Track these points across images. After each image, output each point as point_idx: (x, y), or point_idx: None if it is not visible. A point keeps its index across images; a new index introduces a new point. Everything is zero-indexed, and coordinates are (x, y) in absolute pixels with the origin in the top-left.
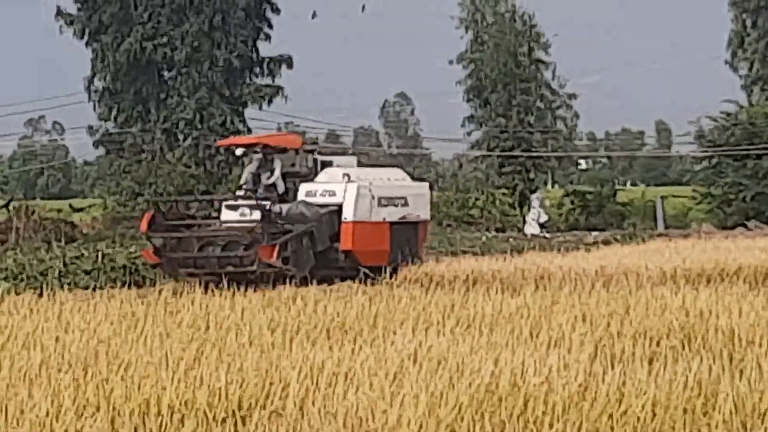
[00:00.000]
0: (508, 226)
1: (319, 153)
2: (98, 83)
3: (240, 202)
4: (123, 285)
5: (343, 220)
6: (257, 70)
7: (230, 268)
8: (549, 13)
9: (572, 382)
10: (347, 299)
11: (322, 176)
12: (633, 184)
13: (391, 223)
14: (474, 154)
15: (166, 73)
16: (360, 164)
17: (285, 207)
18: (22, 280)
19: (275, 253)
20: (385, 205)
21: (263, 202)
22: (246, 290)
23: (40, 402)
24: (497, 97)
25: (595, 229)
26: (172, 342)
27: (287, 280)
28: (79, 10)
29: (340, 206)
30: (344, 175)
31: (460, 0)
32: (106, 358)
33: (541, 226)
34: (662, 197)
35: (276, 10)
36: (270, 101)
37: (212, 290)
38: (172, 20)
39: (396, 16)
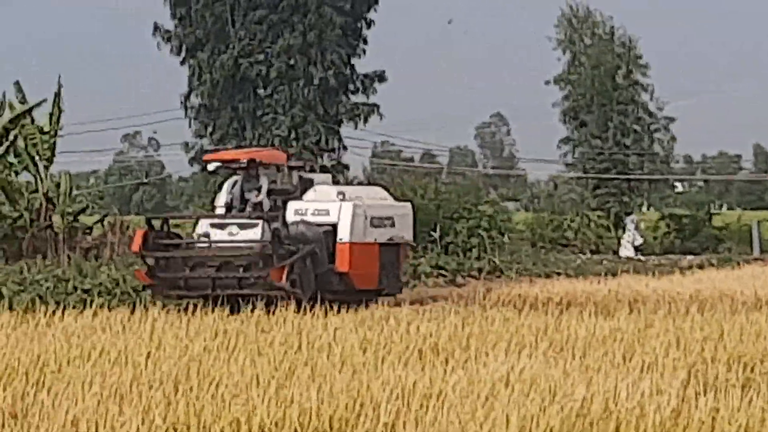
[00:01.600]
0: (603, 248)
1: (301, 169)
2: (194, 100)
3: (229, 220)
4: (215, 302)
5: (338, 240)
6: (352, 87)
7: (230, 290)
8: (647, 35)
9: (665, 407)
10: (440, 320)
11: (311, 194)
12: (729, 208)
13: (380, 245)
14: (569, 176)
15: (261, 91)
16: (335, 182)
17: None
18: (115, 296)
19: (284, 275)
20: (376, 226)
21: (275, 223)
22: (339, 310)
23: (131, 419)
24: (593, 118)
25: (690, 253)
26: (264, 361)
27: (375, 301)
28: (176, 26)
29: (333, 226)
30: (339, 193)
31: (558, 21)
32: (198, 376)
33: (636, 248)
34: (758, 222)
35: (370, 26)
36: (366, 119)
37: (305, 309)
38: (268, 37)
39: (493, 36)
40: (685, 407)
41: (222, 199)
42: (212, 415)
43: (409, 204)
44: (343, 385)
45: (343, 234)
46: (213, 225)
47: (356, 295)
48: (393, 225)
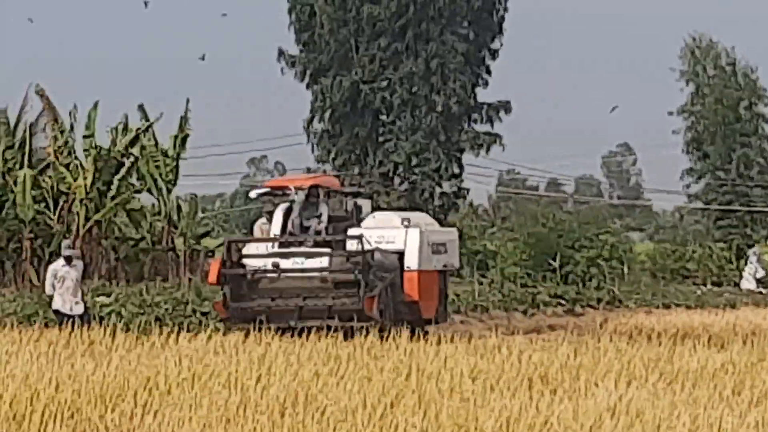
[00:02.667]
0: (725, 280)
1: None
2: (317, 125)
3: (294, 249)
4: (329, 328)
5: (406, 268)
6: (475, 116)
7: (316, 321)
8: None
9: None
10: (552, 349)
11: (370, 221)
12: None
13: (438, 272)
14: (692, 207)
15: (383, 117)
16: (373, 208)
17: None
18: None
19: (375, 305)
20: (435, 252)
21: (367, 251)
22: (452, 337)
23: None
24: (716, 150)
25: None
26: (372, 387)
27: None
28: (301, 51)
29: (399, 253)
30: (404, 220)
31: (681, 52)
32: (305, 401)
33: (758, 281)
34: None
35: (494, 56)
36: (488, 149)
37: (418, 336)
38: (391, 64)
39: (617, 66)
40: None
41: (277, 226)
42: None
43: (455, 229)
44: (450, 413)
45: (411, 262)
46: (279, 254)
47: (420, 323)
48: (446, 251)
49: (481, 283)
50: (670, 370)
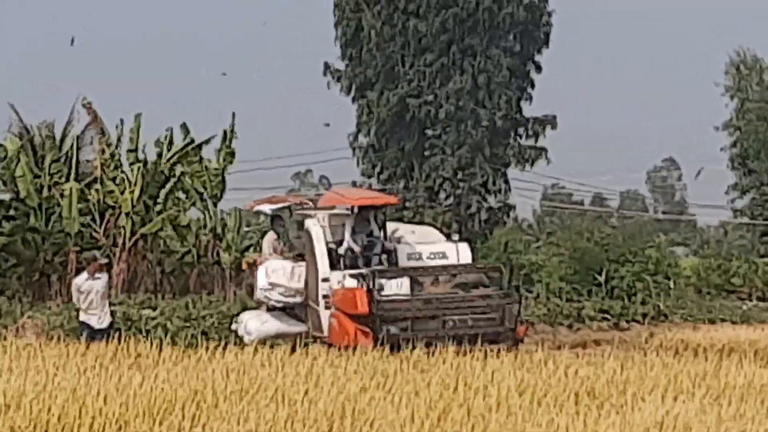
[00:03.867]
0: None
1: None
2: (362, 139)
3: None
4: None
5: None
6: (521, 130)
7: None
8: None
9: None
10: (598, 364)
11: (411, 236)
12: None
13: None
14: (737, 222)
15: (429, 131)
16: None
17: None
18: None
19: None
20: None
21: (494, 267)
22: (498, 352)
23: None
24: (761, 165)
25: None
26: (420, 401)
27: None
28: (346, 66)
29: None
30: (447, 234)
31: (726, 68)
32: (353, 415)
33: None
34: None
35: (539, 70)
36: (533, 163)
37: (465, 350)
38: (438, 78)
39: (663, 80)
40: None
41: (346, 244)
42: None
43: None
44: (497, 427)
45: None
46: (351, 275)
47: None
48: None
49: (526, 298)
50: (716, 385)
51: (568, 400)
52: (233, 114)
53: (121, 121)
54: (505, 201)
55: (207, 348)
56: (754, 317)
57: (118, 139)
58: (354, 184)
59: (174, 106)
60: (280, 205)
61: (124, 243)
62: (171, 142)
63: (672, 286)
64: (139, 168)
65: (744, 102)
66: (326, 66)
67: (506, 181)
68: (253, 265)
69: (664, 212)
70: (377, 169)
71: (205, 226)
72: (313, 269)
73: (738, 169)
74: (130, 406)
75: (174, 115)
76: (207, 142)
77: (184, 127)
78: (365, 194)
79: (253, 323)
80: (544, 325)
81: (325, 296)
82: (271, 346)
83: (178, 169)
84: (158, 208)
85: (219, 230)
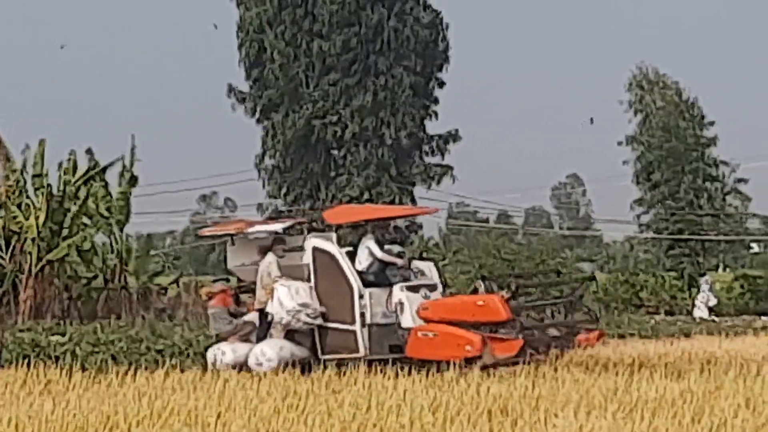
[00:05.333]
0: (677, 309)
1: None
2: (268, 161)
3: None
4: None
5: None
6: (426, 149)
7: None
8: (715, 96)
9: None
10: (510, 381)
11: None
12: None
13: None
14: (643, 236)
15: (335, 152)
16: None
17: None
18: (188, 356)
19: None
20: None
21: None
22: (410, 371)
23: None
24: (665, 178)
25: (764, 314)
26: (334, 420)
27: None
28: (250, 87)
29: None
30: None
31: (628, 84)
32: None
33: (710, 309)
34: None
35: (442, 86)
36: (439, 181)
37: (375, 370)
38: (342, 98)
39: (566, 98)
40: None
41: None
42: None
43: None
44: None
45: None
46: (408, 288)
47: None
48: None
49: None
50: (628, 400)
51: (482, 417)
52: (132, 136)
53: (27, 146)
54: (412, 220)
55: (117, 372)
56: (662, 331)
57: (23, 165)
58: (260, 206)
59: (79, 131)
60: (289, 223)
61: (30, 269)
62: (75, 167)
63: None
64: (44, 193)
65: (647, 116)
66: (230, 88)
67: (413, 200)
68: (215, 294)
69: (569, 228)
70: (283, 191)
71: (111, 251)
72: (336, 288)
73: (642, 184)
74: None
75: (79, 139)
76: (111, 165)
77: (89, 152)
78: (396, 207)
79: (270, 349)
80: None
81: (362, 314)
82: (182, 370)
83: (83, 194)
84: (64, 233)
85: (125, 254)
